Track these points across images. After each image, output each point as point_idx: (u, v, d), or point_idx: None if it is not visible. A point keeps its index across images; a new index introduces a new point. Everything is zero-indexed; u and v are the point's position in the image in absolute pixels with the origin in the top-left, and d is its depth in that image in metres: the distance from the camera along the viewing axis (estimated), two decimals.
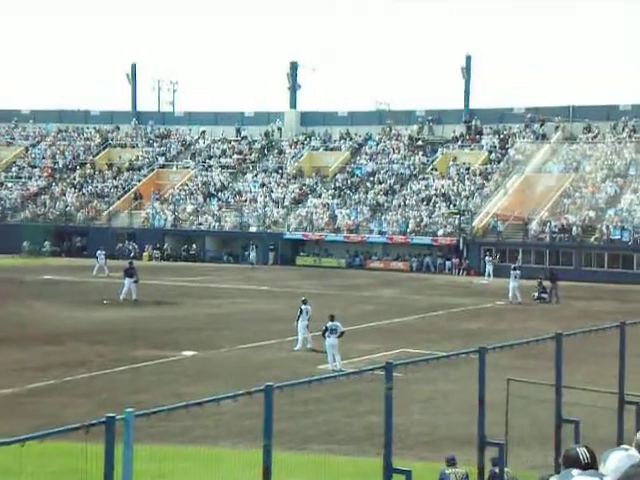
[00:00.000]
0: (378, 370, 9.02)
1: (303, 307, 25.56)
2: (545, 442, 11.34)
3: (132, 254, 59.83)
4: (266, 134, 69.67)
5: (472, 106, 66.16)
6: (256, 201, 62.60)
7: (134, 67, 75.67)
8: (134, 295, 35.86)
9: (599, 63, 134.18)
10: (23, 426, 14.94)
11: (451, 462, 11.76)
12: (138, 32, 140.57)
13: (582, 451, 4.61)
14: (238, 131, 70.61)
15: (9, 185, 69.10)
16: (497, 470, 10.07)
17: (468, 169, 60.83)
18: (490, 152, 62.32)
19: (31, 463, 7.67)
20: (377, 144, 66.19)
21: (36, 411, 17.24)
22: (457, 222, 55.46)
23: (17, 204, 66.71)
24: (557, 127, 62.17)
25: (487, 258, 50.73)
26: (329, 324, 22.64)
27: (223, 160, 68.41)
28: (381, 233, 57.17)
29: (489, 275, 48.73)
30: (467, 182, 59.70)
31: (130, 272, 36.46)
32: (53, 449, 8.79)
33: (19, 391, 19.28)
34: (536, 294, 38.76)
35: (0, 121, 76.00)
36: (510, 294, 38.26)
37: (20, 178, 69.99)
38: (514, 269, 39.26)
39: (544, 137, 61.96)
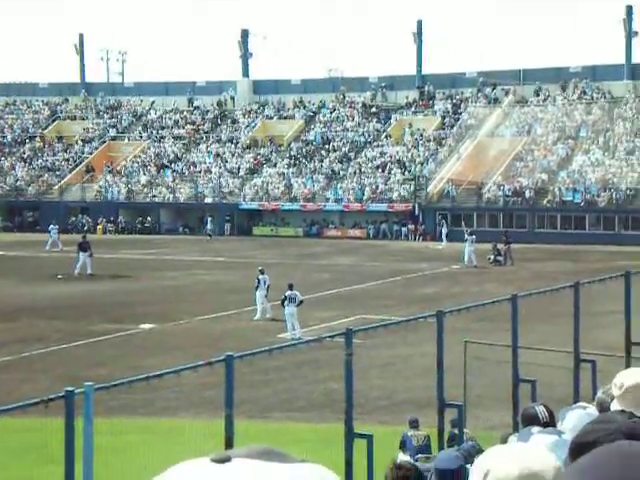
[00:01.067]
0: (338, 337, 9.05)
1: (260, 277, 25.52)
2: (503, 402, 11.53)
3: (85, 228, 59.09)
4: (219, 104, 68.99)
5: (424, 72, 66.22)
6: (211, 172, 62.14)
7: (81, 37, 74.28)
8: (89, 269, 35.50)
9: (549, 25, 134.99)
10: None
11: (414, 424, 11.90)
12: (84, 1, 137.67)
13: (540, 409, 4.68)
14: (190, 101, 69.82)
15: None
16: (456, 431, 10.22)
17: (422, 135, 61.01)
18: (443, 117, 62.54)
19: None
20: (331, 112, 65.98)
21: None
22: (412, 188, 55.70)
23: None
24: (508, 91, 62.56)
25: (442, 222, 51.12)
26: (288, 293, 22.69)
27: (176, 131, 67.66)
28: (337, 201, 57.21)
29: (443, 240, 49.13)
30: (421, 148, 59.92)
31: (84, 246, 36.06)
32: (11, 425, 8.71)
33: None
34: (492, 257, 39.23)
35: None
36: (466, 258, 38.66)
37: None
38: (470, 234, 39.65)
39: (496, 101, 62.33)
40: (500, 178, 54.79)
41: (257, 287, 25.31)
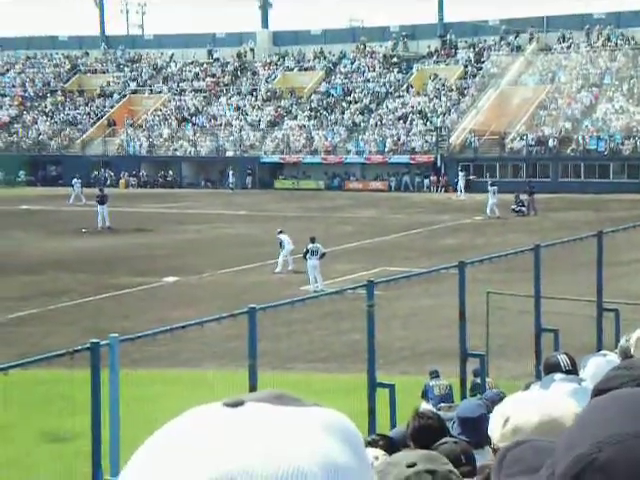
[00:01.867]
0: (360, 289, 9.08)
1: (279, 236, 25.58)
2: (525, 352, 11.55)
3: (108, 182, 59.35)
4: (238, 55, 68.48)
5: (446, 20, 65.23)
6: (231, 125, 61.92)
7: None
8: (107, 222, 35.72)
9: None
10: (6, 355, 15.00)
11: (434, 375, 11.96)
12: None
13: (562, 358, 4.68)
14: (210, 53, 69.34)
15: None
16: (479, 380, 10.27)
17: (444, 85, 60.31)
18: (465, 66, 61.73)
19: (16, 391, 7.72)
20: (352, 62, 65.30)
21: (18, 340, 17.30)
22: (434, 139, 55.26)
23: None
24: (531, 38, 61.55)
25: (460, 174, 50.79)
26: (310, 246, 22.72)
27: (196, 84, 67.34)
28: (359, 153, 56.91)
29: (461, 191, 48.82)
30: (443, 98, 59.27)
31: (103, 199, 36.28)
32: (38, 377, 8.87)
33: (1, 321, 19.29)
34: (514, 207, 39.01)
35: None
36: (488, 209, 38.46)
37: None
38: (492, 184, 39.36)
39: (519, 49, 61.37)
40: (523, 127, 54.18)
41: (281, 246, 25.38)
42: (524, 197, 39.41)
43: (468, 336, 9.77)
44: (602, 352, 4.49)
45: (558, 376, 3.99)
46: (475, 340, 11.08)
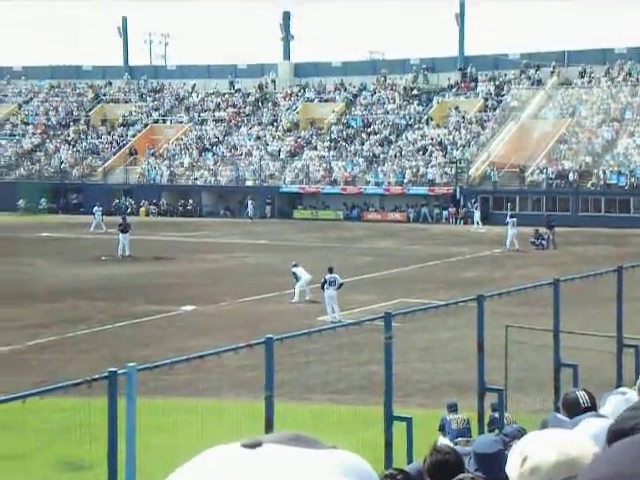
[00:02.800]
0: (377, 320, 9.06)
1: (294, 270, 25.64)
2: (544, 387, 11.45)
3: (128, 210, 59.75)
4: (260, 86, 69.06)
5: (467, 53, 65.54)
6: (251, 155, 62.30)
7: (125, 20, 74.77)
8: (127, 250, 35.89)
9: (593, 6, 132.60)
10: (25, 383, 15.05)
11: (452, 408, 11.88)
12: None
13: (582, 394, 4.65)
14: (232, 84, 69.98)
15: (3, 143, 68.69)
16: (497, 415, 10.18)
17: (464, 117, 60.48)
18: (486, 99, 61.90)
19: (34, 419, 7.74)
20: (372, 94, 65.67)
21: (37, 367, 17.36)
22: (453, 171, 55.30)
23: (11, 162, 66.38)
24: (552, 72, 61.67)
25: (475, 207, 50.78)
26: (328, 276, 22.72)
27: (217, 114, 67.90)
28: (378, 184, 57.02)
29: (478, 223, 48.74)
30: (463, 130, 59.40)
31: (124, 227, 36.50)
32: (55, 405, 8.88)
33: (20, 348, 19.38)
34: (534, 240, 38.86)
35: None
36: (508, 242, 38.34)
37: (14, 135, 69.52)
38: (511, 216, 39.29)
39: (540, 83, 61.49)
40: (543, 161, 54.13)
41: (296, 279, 25.46)
42: (543, 230, 39.26)
43: (486, 370, 9.72)
44: (621, 390, 4.45)
45: (584, 417, 3.95)
46: (493, 374, 11.01)
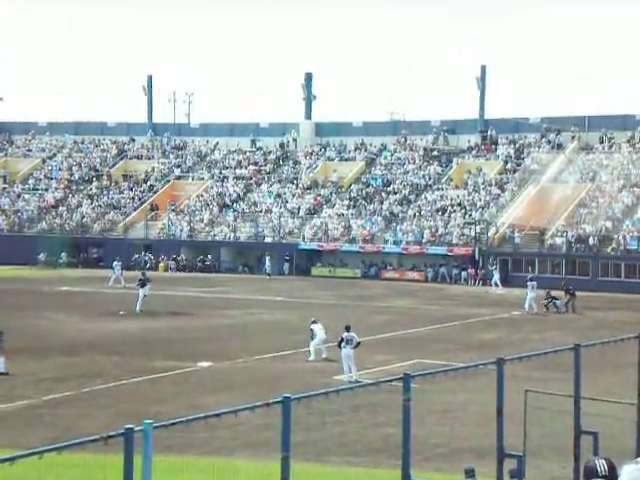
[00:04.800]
0: (396, 381, 8.98)
1: (312, 326, 25.65)
2: (563, 454, 11.26)
3: (148, 265, 60.05)
4: (281, 145, 69.82)
5: (487, 116, 66.09)
6: (271, 212, 62.69)
7: (150, 79, 76.13)
8: (138, 306, 35.73)
9: (615, 72, 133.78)
10: (40, 438, 15.01)
11: (470, 474, 11.69)
12: (154, 44, 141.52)
13: (601, 463, 4.59)
14: (253, 142, 70.81)
15: (26, 197, 69.54)
16: None
17: (484, 179, 60.72)
18: (506, 162, 62.19)
19: (49, 475, 7.70)
20: (392, 154, 66.19)
21: (53, 422, 17.30)
22: (473, 232, 55.32)
23: (34, 215, 67.10)
24: (573, 137, 61.99)
25: (494, 267, 50.66)
26: (345, 335, 22.63)
27: (238, 171, 68.58)
28: (396, 243, 57.09)
29: (496, 284, 48.51)
30: (482, 192, 59.58)
31: (144, 282, 36.63)
32: (71, 461, 8.83)
33: (35, 402, 19.34)
34: (545, 302, 38.48)
35: (17, 133, 76.57)
36: (527, 305, 38.09)
37: (37, 190, 70.43)
38: (530, 279, 39.09)
39: (560, 147, 61.78)
40: (563, 224, 54.07)
41: (311, 337, 25.47)
42: (558, 294, 38.85)
43: (505, 435, 9.58)
44: (636, 460, 4.41)
45: None
46: (512, 439, 10.84)
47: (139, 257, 60.95)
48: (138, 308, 35.87)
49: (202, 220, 63.59)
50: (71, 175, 71.32)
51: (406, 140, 66.73)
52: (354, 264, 57.45)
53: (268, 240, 60.33)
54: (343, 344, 22.41)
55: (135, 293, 36.90)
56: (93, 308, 37.41)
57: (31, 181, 71.67)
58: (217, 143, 71.62)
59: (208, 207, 65.04)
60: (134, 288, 38.16)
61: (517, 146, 63.14)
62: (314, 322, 26.00)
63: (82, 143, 74.94)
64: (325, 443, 13.50)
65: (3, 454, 6.68)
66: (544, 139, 62.76)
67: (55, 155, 74.26)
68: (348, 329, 22.88)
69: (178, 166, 70.55)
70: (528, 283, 38.67)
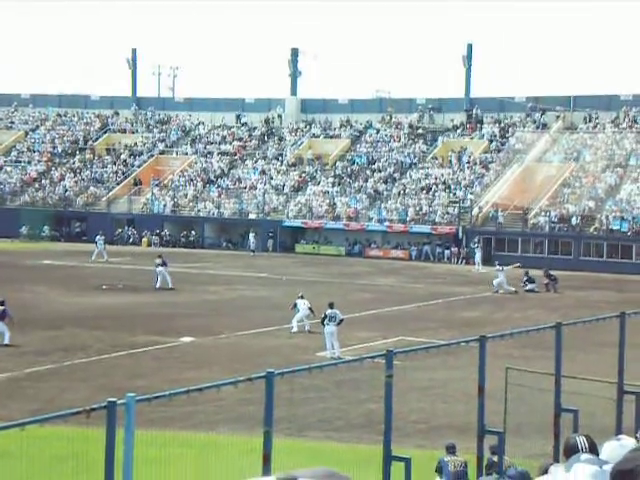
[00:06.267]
0: (378, 358, 9.02)
1: (297, 301, 25.84)
2: (544, 431, 11.37)
3: (131, 240, 59.82)
4: (266, 121, 69.50)
5: (473, 95, 66.02)
6: (256, 188, 62.51)
7: (134, 52, 75.44)
8: (170, 283, 35.90)
9: (600, 53, 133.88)
10: (22, 410, 14.99)
11: (451, 450, 11.79)
12: (139, 17, 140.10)
13: (581, 440, 4.62)
14: (238, 117, 70.45)
15: (8, 169, 68.96)
16: (495, 458, 10.09)
17: (468, 158, 60.77)
18: (490, 141, 62.24)
19: (31, 447, 7.70)
20: (377, 132, 66.06)
21: (35, 395, 17.27)
22: (456, 211, 55.43)
23: (16, 188, 66.60)
24: (558, 117, 62.07)
25: (476, 246, 50.78)
26: (328, 312, 22.69)
27: (223, 147, 68.27)
28: (380, 221, 57.13)
29: (478, 264, 48.62)
30: (467, 171, 59.65)
31: (164, 261, 36.69)
32: (53, 433, 8.82)
33: (17, 375, 19.31)
34: (523, 284, 38.61)
35: (0, 105, 75.77)
36: (495, 286, 38.09)
37: (19, 162, 69.84)
38: (499, 264, 39.38)
39: (545, 126, 61.87)
40: (546, 204, 54.27)
41: (295, 309, 25.70)
42: (540, 276, 38.98)
43: (485, 412, 9.64)
44: (617, 437, 4.45)
45: (583, 457, 3.93)
46: (492, 416, 10.92)
47: (122, 232, 60.70)
48: (159, 285, 35.72)
49: (186, 195, 63.35)
50: (54, 148, 70.76)
51: (391, 118, 66.60)
52: (338, 242, 57.48)
53: (252, 217, 60.22)
54: (326, 321, 22.47)
55: (157, 271, 36.38)
56: (76, 282, 37.29)
57: (14, 153, 71.05)
58: (201, 118, 71.20)
59: (192, 182, 64.77)
60: (117, 262, 38.06)
61: (502, 125, 63.17)
62: (301, 297, 26.17)
63: (65, 116, 74.29)
64: (307, 419, 13.56)
65: None
66: (529, 118, 62.82)
67: (38, 127, 73.61)
68: (331, 306, 22.94)
69: (162, 140, 70.13)
70: (496, 268, 39.00)
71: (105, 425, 6.34)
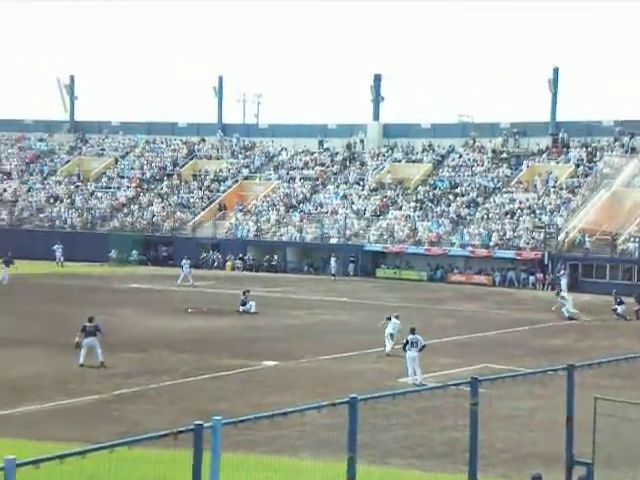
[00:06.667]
0: (463, 385, 8.92)
1: (388, 321, 26.23)
2: (634, 462, 11.01)
3: (215, 264, 60.74)
4: (348, 146, 69.85)
5: (559, 119, 64.97)
6: (337, 213, 62.77)
7: (221, 80, 76.94)
8: (254, 308, 35.88)
9: None
10: (109, 432, 15.32)
11: None
12: (224, 46, 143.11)
13: None
14: (321, 143, 71.02)
15: (99, 195, 71.02)
16: None
17: (554, 182, 59.71)
18: (577, 165, 61.04)
19: (119, 470, 7.87)
20: (460, 156, 65.61)
21: (121, 417, 17.63)
22: (542, 236, 54.43)
23: (106, 214, 68.50)
24: None
25: (562, 273, 49.69)
26: (410, 337, 22.55)
27: (305, 172, 68.87)
28: (463, 246, 56.55)
29: (564, 290, 47.41)
30: (553, 196, 58.60)
31: (244, 300, 36.54)
32: (139, 456, 8.96)
33: (106, 397, 19.74)
34: (614, 306, 37.63)
35: (92, 132, 78.27)
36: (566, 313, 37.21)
37: (110, 188, 71.86)
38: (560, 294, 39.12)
39: (633, 150, 60.34)
40: (636, 229, 52.79)
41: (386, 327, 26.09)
42: (631, 303, 37.87)
43: (574, 442, 9.41)
44: None
45: None
46: (580, 447, 10.64)
47: (207, 256, 61.69)
48: (254, 309, 35.86)
49: (269, 220, 64.05)
50: (143, 174, 72.57)
51: (474, 142, 66.07)
52: (420, 266, 57.11)
53: (333, 241, 60.42)
54: (408, 346, 22.32)
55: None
56: (162, 305, 38.01)
57: (104, 180, 73.16)
58: (284, 144, 72.00)
59: (275, 207, 65.47)
60: (203, 286, 38.62)
61: (589, 149, 61.90)
62: (396, 317, 26.77)
63: (154, 143, 76.20)
64: (390, 445, 13.46)
65: (74, 448, 6.85)
66: (617, 142, 61.40)
67: (127, 154, 75.67)
68: (413, 331, 22.79)
69: (246, 166, 71.19)
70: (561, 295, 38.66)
71: (192, 448, 6.44)
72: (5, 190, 72.44)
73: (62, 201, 70.24)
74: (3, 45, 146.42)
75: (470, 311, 39.68)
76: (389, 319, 26.71)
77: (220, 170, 71.14)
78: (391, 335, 25.92)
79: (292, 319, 35.05)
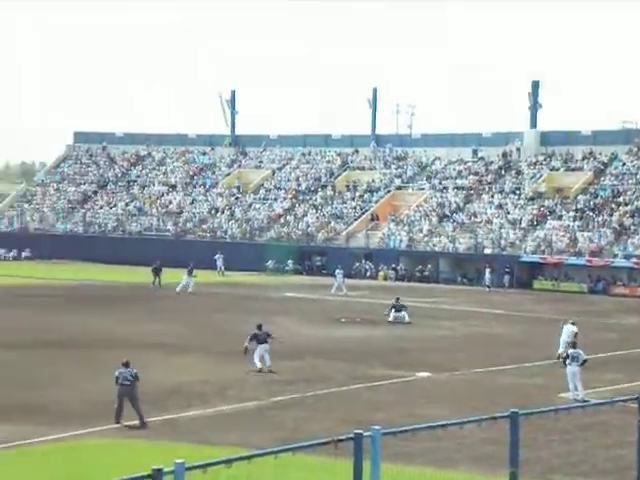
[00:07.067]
0: (630, 401, 8.55)
1: (568, 326, 26.10)
2: None
3: (368, 274, 61.04)
4: (504, 154, 68.53)
5: None
6: (491, 222, 61.65)
7: (375, 91, 77.43)
8: (407, 318, 35.70)
9: None
10: (270, 438, 15.69)
11: None
12: (378, 59, 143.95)
13: None
14: (475, 152, 70.03)
15: (257, 206, 73.07)
16: None
17: None
18: None
19: (282, 476, 8.05)
20: (623, 164, 62.93)
21: (280, 424, 18.00)
22: None
23: (263, 224, 70.35)
24: None
25: None
26: (570, 351, 21.85)
27: (459, 181, 68.10)
28: (627, 257, 54.14)
29: None
30: None
31: (399, 307, 36.49)
32: (300, 462, 9.14)
33: (265, 403, 20.23)
34: None
35: (251, 146, 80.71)
36: None
37: (267, 200, 73.76)
38: None
39: None
40: None
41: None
42: None
43: None
44: None
45: None
46: None
47: (359, 265, 62.11)
48: (407, 319, 35.64)
49: (421, 230, 63.75)
50: (298, 185, 74.05)
51: (639, 149, 63.20)
52: (580, 278, 55.13)
53: (487, 251, 59.34)
54: (568, 361, 21.61)
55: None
56: (316, 314, 38.58)
57: (262, 191, 75.17)
58: (437, 154, 71.52)
59: (427, 217, 65.10)
60: (356, 296, 38.90)
61: None
62: (572, 323, 26.24)
63: (309, 155, 77.61)
64: (551, 461, 13.08)
65: (238, 452, 7.07)
66: None
67: (284, 166, 77.44)
68: (574, 346, 22.07)
69: (399, 176, 71.21)
70: None
71: (351, 456, 6.50)
72: (170, 202, 75.85)
73: (223, 212, 72.72)
74: (169, 68, 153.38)
75: (635, 325, 37.94)
76: (571, 324, 26.15)
77: (373, 180, 71.52)
78: (567, 343, 25.16)
79: (446, 330, 34.69)
